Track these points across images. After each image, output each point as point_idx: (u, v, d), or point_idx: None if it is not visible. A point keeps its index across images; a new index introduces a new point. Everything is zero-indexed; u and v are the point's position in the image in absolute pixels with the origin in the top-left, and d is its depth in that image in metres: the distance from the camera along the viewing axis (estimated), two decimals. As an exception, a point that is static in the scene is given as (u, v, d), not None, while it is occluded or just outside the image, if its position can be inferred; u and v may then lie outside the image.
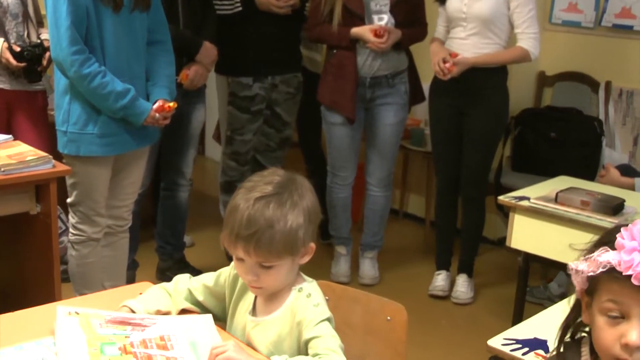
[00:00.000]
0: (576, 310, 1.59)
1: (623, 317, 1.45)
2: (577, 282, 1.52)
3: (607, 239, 1.49)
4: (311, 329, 1.85)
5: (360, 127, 4.46)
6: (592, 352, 1.57)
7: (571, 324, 1.61)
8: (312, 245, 1.91)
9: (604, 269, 1.44)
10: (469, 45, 4.13)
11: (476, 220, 4.43)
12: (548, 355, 1.72)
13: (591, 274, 1.46)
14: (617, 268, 1.42)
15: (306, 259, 1.92)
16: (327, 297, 2.05)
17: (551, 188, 3.49)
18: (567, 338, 1.62)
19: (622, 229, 1.46)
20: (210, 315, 2.04)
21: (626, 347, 1.43)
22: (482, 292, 4.54)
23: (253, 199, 1.84)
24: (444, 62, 4.05)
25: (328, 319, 1.88)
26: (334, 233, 4.67)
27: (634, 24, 4.85)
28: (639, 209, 3.33)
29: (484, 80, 4.13)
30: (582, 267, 1.48)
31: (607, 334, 1.46)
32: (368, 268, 4.64)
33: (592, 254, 1.47)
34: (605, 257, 1.44)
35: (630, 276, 1.41)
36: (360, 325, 2.25)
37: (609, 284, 1.45)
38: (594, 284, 1.49)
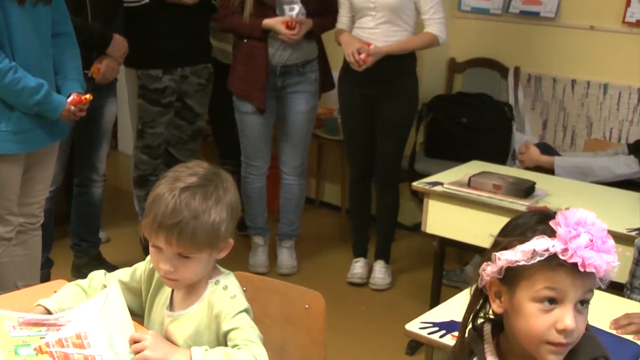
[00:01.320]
0: (479, 300, 1.60)
1: (557, 302, 1.47)
2: (489, 272, 1.52)
3: (526, 227, 1.50)
4: (229, 321, 1.84)
5: (272, 116, 4.45)
6: (495, 339, 1.60)
7: (474, 314, 1.62)
8: (231, 241, 1.90)
9: (542, 258, 1.45)
10: (379, 34, 4.15)
11: (391, 206, 4.47)
12: (452, 346, 1.74)
13: (523, 263, 1.47)
14: (561, 256, 1.43)
15: (223, 254, 1.91)
16: (245, 289, 2.04)
17: (464, 173, 3.54)
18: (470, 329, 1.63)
19: (558, 216, 1.46)
20: (116, 284, 2.01)
21: (563, 331, 1.46)
22: (399, 278, 4.58)
23: (178, 189, 1.83)
24: (359, 53, 4.07)
25: (246, 310, 1.87)
26: (250, 224, 4.66)
27: (541, 10, 4.96)
28: (550, 191, 3.41)
29: (394, 68, 4.16)
30: (512, 257, 1.47)
31: (541, 320, 1.47)
32: (286, 258, 4.64)
33: (524, 244, 1.47)
34: (542, 245, 1.45)
35: (567, 263, 1.43)
36: (279, 315, 2.25)
37: (546, 272, 1.46)
38: (519, 273, 1.48)
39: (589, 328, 1.53)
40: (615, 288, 2.24)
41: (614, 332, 2.21)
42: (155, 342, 1.81)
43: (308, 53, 4.38)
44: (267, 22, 4.21)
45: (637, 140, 4.02)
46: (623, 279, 2.58)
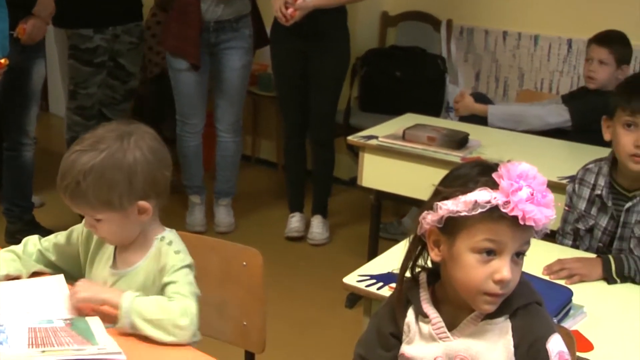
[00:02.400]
0: (417, 248, 1.62)
1: (495, 254, 1.49)
2: (429, 221, 1.53)
3: (468, 178, 1.51)
4: (170, 275, 1.86)
5: (206, 72, 4.40)
6: (430, 287, 1.62)
7: (412, 262, 1.64)
8: (143, 203, 1.86)
9: (483, 209, 1.46)
10: None
11: (327, 161, 4.49)
12: (388, 295, 1.76)
13: (464, 213, 1.48)
14: (502, 208, 1.45)
15: (144, 217, 1.89)
16: (185, 247, 2.03)
17: (398, 126, 3.56)
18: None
19: (501, 169, 1.48)
20: (62, 276, 1.99)
21: (500, 282, 1.48)
22: (337, 232, 4.61)
23: (72, 151, 1.84)
24: (286, 7, 4.03)
25: (188, 266, 1.88)
26: (187, 183, 4.62)
27: (472, -38, 4.97)
28: (483, 142, 3.44)
29: (323, 22, 4.13)
30: (454, 207, 1.49)
31: (479, 271, 1.50)
32: (223, 216, 4.63)
33: (466, 195, 1.48)
34: (484, 196, 1.46)
35: (507, 215, 1.45)
36: (218, 273, 2.24)
37: (487, 223, 1.48)
38: (460, 223, 1.50)
39: (522, 274, 1.56)
40: (547, 235, 2.28)
41: (547, 277, 2.26)
42: (87, 285, 1.85)
43: (241, 9, 4.33)
44: None
45: (571, 92, 4.08)
46: (555, 226, 2.63)
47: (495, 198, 1.46)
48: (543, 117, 3.79)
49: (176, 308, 1.77)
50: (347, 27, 4.30)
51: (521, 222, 1.45)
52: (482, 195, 1.46)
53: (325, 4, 4.11)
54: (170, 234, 1.96)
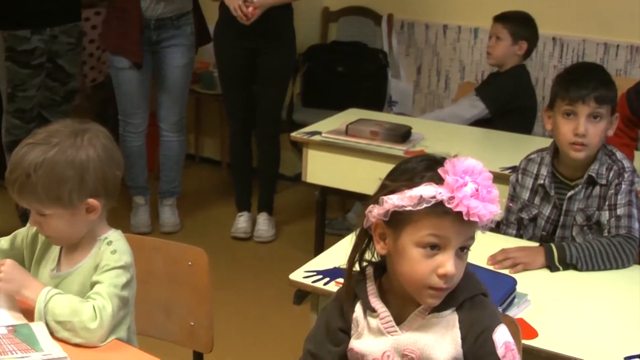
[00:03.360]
0: (364, 241, 1.63)
1: (439, 248, 1.50)
2: (375, 214, 1.53)
3: (415, 172, 1.52)
4: (99, 274, 1.85)
5: (148, 71, 4.35)
6: (377, 280, 1.63)
7: (358, 256, 1.64)
8: (92, 201, 1.84)
9: (428, 204, 1.47)
10: None
11: (272, 158, 4.48)
12: (335, 290, 1.76)
13: (410, 208, 1.48)
14: (447, 204, 1.45)
15: (92, 216, 1.87)
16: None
17: (342, 121, 3.57)
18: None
19: (446, 164, 1.48)
20: None
21: (444, 276, 1.49)
22: (283, 229, 4.61)
23: (24, 144, 1.82)
24: (246, 6, 4.02)
25: (122, 267, 1.86)
26: (130, 183, 4.57)
27: (411, -43, 5.00)
28: (426, 135, 3.47)
29: (274, 19, 4.12)
30: (399, 201, 1.48)
31: (424, 265, 1.50)
32: (168, 216, 4.59)
33: (412, 189, 1.48)
34: (429, 192, 1.46)
35: (452, 211, 1.45)
36: (163, 274, 2.23)
37: (432, 218, 1.48)
38: (405, 217, 1.50)
39: (467, 266, 1.57)
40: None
41: (491, 267, 2.29)
42: (11, 274, 1.83)
43: (182, 6, 4.29)
44: None
45: (482, 81, 4.16)
46: (499, 216, 2.66)
47: (440, 193, 1.46)
48: (459, 114, 3.87)
49: (88, 310, 1.77)
50: (293, 24, 4.30)
51: (465, 218, 1.46)
52: (427, 191, 1.47)
53: (277, 2, 4.13)
54: (114, 234, 1.94)
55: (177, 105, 4.46)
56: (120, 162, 1.91)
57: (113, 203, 1.92)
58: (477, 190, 1.46)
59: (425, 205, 1.47)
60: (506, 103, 3.88)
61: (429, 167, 1.51)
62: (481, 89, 3.96)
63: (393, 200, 1.50)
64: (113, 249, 1.88)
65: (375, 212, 1.53)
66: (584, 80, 2.44)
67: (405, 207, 1.48)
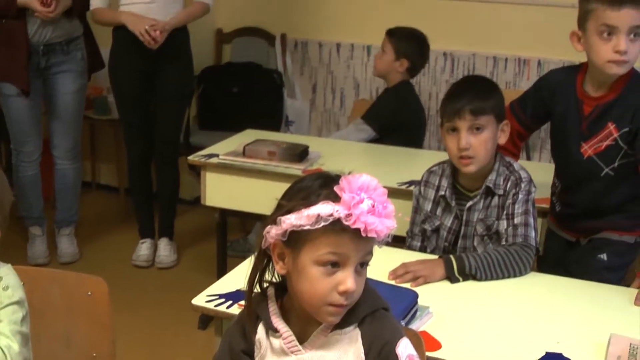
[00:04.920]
0: (263, 261, 1.61)
1: (339, 266, 1.50)
2: (273, 234, 1.52)
3: (311, 190, 1.51)
4: None
5: (38, 97, 4.26)
6: (279, 300, 1.62)
7: (258, 277, 1.63)
8: None
9: (326, 222, 1.46)
10: (157, 8, 4.09)
11: (171, 182, 4.44)
12: (239, 312, 1.75)
13: (308, 227, 1.48)
14: (344, 221, 1.45)
15: None
16: (22, 282, 1.95)
17: (238, 142, 3.56)
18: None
19: (342, 181, 1.48)
20: None
21: (344, 293, 1.49)
22: (185, 253, 4.56)
23: None
24: (154, 30, 3.98)
25: (17, 303, 1.81)
26: (25, 214, 4.46)
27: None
28: (323, 153, 3.49)
29: (171, 41, 4.10)
30: (297, 221, 1.48)
31: (324, 283, 1.50)
32: (66, 245, 4.49)
33: (309, 208, 1.48)
34: (326, 210, 1.46)
35: (350, 228, 1.45)
36: (61, 305, 2.17)
37: (330, 236, 1.48)
38: (303, 236, 1.50)
39: (367, 282, 1.58)
40: (392, 240, 2.33)
41: (392, 282, 2.31)
42: None
43: (71, 31, 4.22)
44: None
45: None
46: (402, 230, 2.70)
47: (337, 211, 1.46)
48: (348, 138, 3.92)
49: None
50: (190, 46, 4.28)
51: (363, 234, 1.46)
52: (324, 209, 1.47)
53: (181, 23, 4.14)
54: (4, 269, 1.88)
55: (71, 132, 4.37)
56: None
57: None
58: (373, 206, 1.47)
59: (323, 223, 1.47)
60: (390, 121, 3.92)
61: (324, 185, 1.52)
62: (366, 112, 4.02)
63: (291, 220, 1.49)
64: (5, 285, 1.83)
65: (273, 232, 1.52)
66: (459, 95, 2.51)
67: (303, 226, 1.48)
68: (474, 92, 2.50)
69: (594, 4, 2.45)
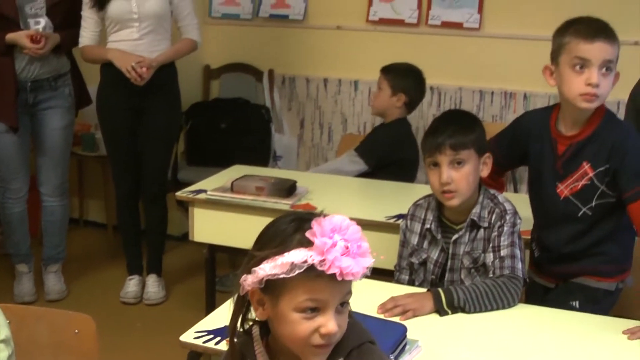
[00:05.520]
0: (242, 307, 1.59)
1: (318, 310, 1.49)
2: (249, 283, 1.50)
3: (284, 236, 1.49)
4: None
5: (26, 134, 4.26)
6: (264, 340, 1.60)
7: (240, 321, 1.60)
8: None
9: (301, 270, 1.44)
10: (145, 45, 4.10)
11: (159, 218, 4.43)
12: (223, 354, 1.73)
13: (283, 276, 1.46)
14: (318, 267, 1.44)
15: None
16: (8, 321, 1.94)
17: (226, 178, 3.56)
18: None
19: (313, 225, 1.46)
20: None
21: (326, 335, 1.48)
22: (173, 289, 4.54)
23: None
24: (140, 66, 3.99)
25: (3, 341, 1.80)
26: (12, 251, 4.43)
27: (289, 13, 5.08)
28: (311, 188, 3.49)
29: (159, 78, 4.11)
30: (272, 270, 1.46)
31: (305, 327, 1.49)
32: (53, 283, 4.46)
33: (282, 255, 1.46)
34: (300, 257, 1.44)
35: (327, 272, 1.44)
36: (49, 343, 2.16)
37: (306, 283, 1.46)
38: (280, 284, 1.48)
39: (352, 315, 1.57)
40: (381, 274, 2.33)
41: (381, 316, 2.31)
42: None
43: (58, 67, 4.23)
44: (11, 36, 4.03)
45: (366, 136, 4.23)
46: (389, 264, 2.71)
47: (311, 257, 1.44)
48: (340, 170, 3.94)
49: None
50: (178, 82, 4.30)
51: (339, 279, 1.45)
52: (297, 256, 1.44)
53: (169, 59, 4.15)
54: None
55: (58, 168, 4.36)
56: None
57: None
58: (347, 247, 1.45)
59: (297, 271, 1.44)
60: (384, 157, 3.94)
61: (297, 229, 1.49)
62: (361, 144, 4.03)
63: (265, 271, 1.47)
64: None
65: (249, 281, 1.50)
66: (440, 129, 2.53)
67: (278, 275, 1.45)
68: (454, 127, 2.51)
69: (567, 37, 2.47)
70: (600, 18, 2.51)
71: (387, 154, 3.94)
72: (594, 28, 2.44)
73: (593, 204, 2.53)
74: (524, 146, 2.69)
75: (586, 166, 2.51)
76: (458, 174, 2.48)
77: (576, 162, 2.53)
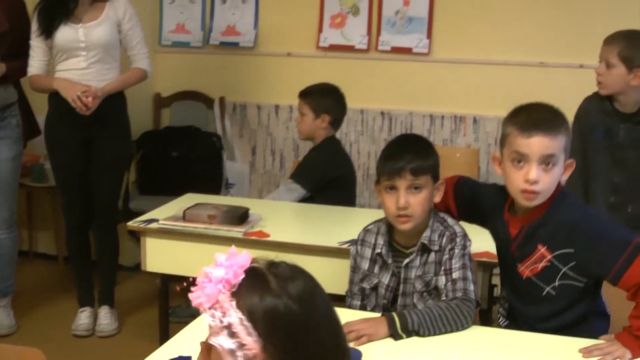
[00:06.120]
0: None
1: None
2: None
3: None
4: None
5: (-25, 167, 4.19)
6: None
7: None
8: None
9: None
10: (92, 74, 4.06)
11: (111, 249, 4.37)
12: None
13: None
14: None
15: None
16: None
17: (179, 207, 3.53)
18: None
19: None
20: None
21: None
22: (126, 321, 4.48)
23: None
24: (86, 96, 3.95)
25: None
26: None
27: (240, 40, 5.09)
28: (264, 215, 3.47)
29: (107, 107, 4.07)
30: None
31: None
32: (2, 317, 4.36)
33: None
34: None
35: None
36: (-4, 380, 2.11)
37: None
38: None
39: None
40: (333, 300, 2.32)
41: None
42: None
43: (5, 97, 4.17)
44: None
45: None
46: (341, 289, 2.70)
47: None
48: (279, 199, 3.92)
49: None
50: (127, 110, 4.27)
51: None
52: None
53: (117, 89, 4.11)
54: None
55: (7, 200, 4.29)
56: None
57: None
58: None
59: None
60: (321, 178, 3.94)
61: None
62: (295, 171, 4.04)
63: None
64: None
65: None
66: (399, 154, 2.52)
67: None
68: (414, 152, 2.52)
69: (509, 128, 2.37)
70: (551, 105, 2.40)
71: (322, 174, 3.94)
72: (533, 121, 2.32)
73: (556, 283, 2.42)
74: (482, 219, 2.64)
75: (542, 249, 2.41)
76: (415, 199, 2.49)
77: (531, 246, 2.43)
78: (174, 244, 3.41)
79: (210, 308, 1.40)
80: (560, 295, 2.43)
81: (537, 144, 2.30)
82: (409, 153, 2.51)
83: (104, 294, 4.40)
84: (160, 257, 3.46)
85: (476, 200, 2.63)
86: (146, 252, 3.47)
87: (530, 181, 2.31)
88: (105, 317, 4.35)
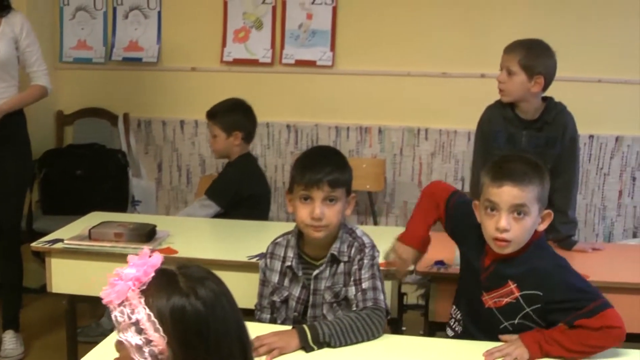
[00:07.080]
0: None
1: None
2: None
3: None
4: None
5: None
6: None
7: None
8: None
9: None
10: None
11: (14, 271, 4.27)
12: None
13: None
14: None
15: None
16: None
17: (84, 226, 3.47)
18: None
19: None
20: None
21: None
22: (33, 345, 4.37)
23: None
24: None
25: None
26: None
27: (142, 55, 5.04)
28: (172, 231, 3.44)
29: (5, 125, 3.98)
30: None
31: None
32: None
33: None
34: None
35: None
36: None
37: None
38: None
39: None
40: (244, 314, 2.32)
41: (248, 357, 2.28)
42: None
43: None
44: None
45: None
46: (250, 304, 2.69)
47: None
48: (193, 214, 3.91)
49: None
50: (26, 129, 4.18)
51: None
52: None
53: (15, 107, 4.02)
54: None
55: None
56: None
57: None
58: None
59: None
60: (235, 195, 3.93)
61: None
62: (210, 187, 4.02)
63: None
64: None
65: None
66: (318, 165, 2.53)
67: None
68: (332, 165, 2.54)
69: (484, 178, 2.44)
70: (529, 157, 2.45)
71: (237, 191, 3.94)
72: (504, 172, 2.38)
73: (516, 321, 2.44)
74: (458, 240, 2.68)
75: (512, 285, 2.43)
76: (330, 211, 2.51)
77: (501, 280, 2.45)
78: (80, 263, 3.35)
79: (119, 305, 1.45)
80: (517, 333, 2.41)
81: (507, 193, 2.35)
82: (328, 165, 2.53)
83: (9, 318, 4.29)
84: (67, 277, 3.39)
85: (465, 220, 2.60)
86: (52, 273, 3.39)
87: (500, 229, 2.35)
88: (10, 342, 4.24)
